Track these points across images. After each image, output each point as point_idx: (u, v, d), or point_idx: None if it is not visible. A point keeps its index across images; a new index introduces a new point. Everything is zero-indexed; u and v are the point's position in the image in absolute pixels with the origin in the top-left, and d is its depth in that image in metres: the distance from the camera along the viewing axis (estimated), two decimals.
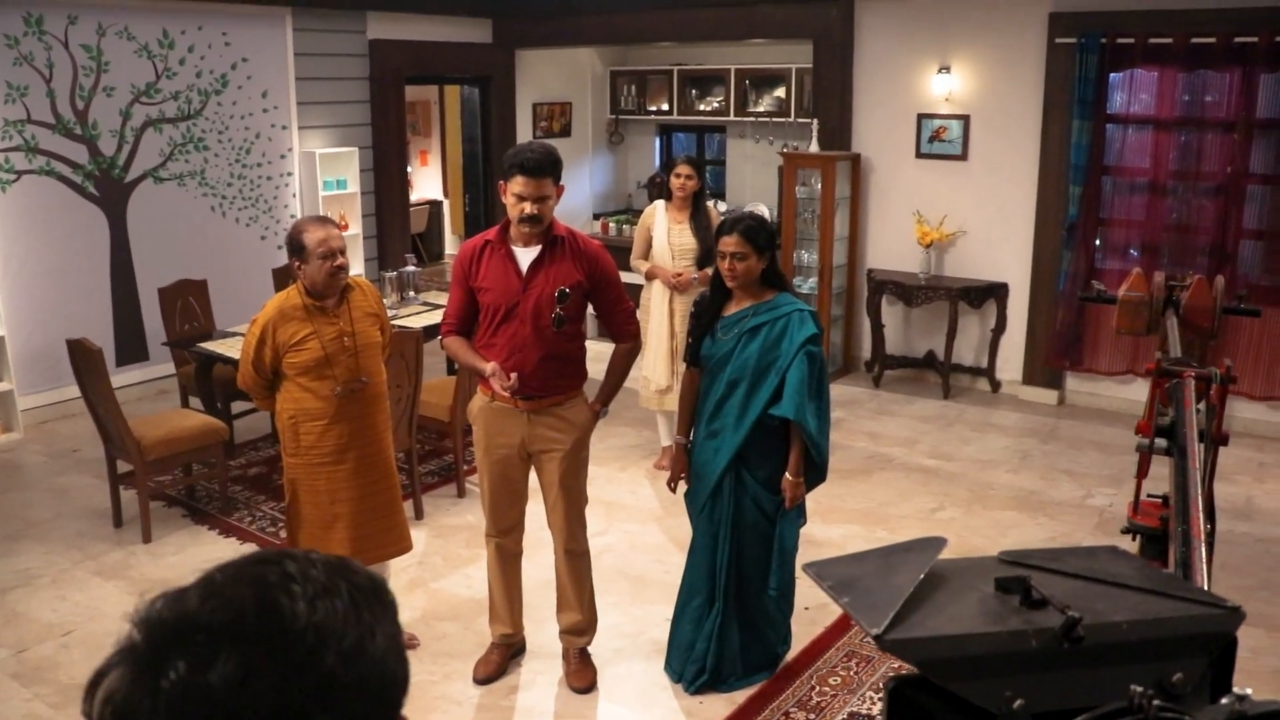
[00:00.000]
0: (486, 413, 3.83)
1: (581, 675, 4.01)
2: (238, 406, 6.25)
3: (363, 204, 8.86)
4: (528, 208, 3.60)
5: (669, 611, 4.12)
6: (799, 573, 3.80)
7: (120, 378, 6.86)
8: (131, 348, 7.54)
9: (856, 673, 4.08)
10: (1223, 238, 6.70)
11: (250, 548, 5.11)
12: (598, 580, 4.15)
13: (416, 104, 12.72)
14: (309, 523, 4.01)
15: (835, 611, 4.32)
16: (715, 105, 9.99)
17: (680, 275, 5.74)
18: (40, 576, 4.90)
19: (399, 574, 4.74)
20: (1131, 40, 6.72)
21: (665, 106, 10.32)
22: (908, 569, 1.50)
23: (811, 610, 4.39)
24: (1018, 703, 1.36)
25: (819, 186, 7.87)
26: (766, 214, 8.54)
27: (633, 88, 10.55)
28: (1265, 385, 6.69)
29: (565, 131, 10.41)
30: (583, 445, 3.87)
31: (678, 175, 5.78)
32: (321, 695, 0.85)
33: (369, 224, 9.00)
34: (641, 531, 5.36)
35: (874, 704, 3.86)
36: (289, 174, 8.41)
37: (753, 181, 10.05)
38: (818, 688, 3.98)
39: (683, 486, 3.99)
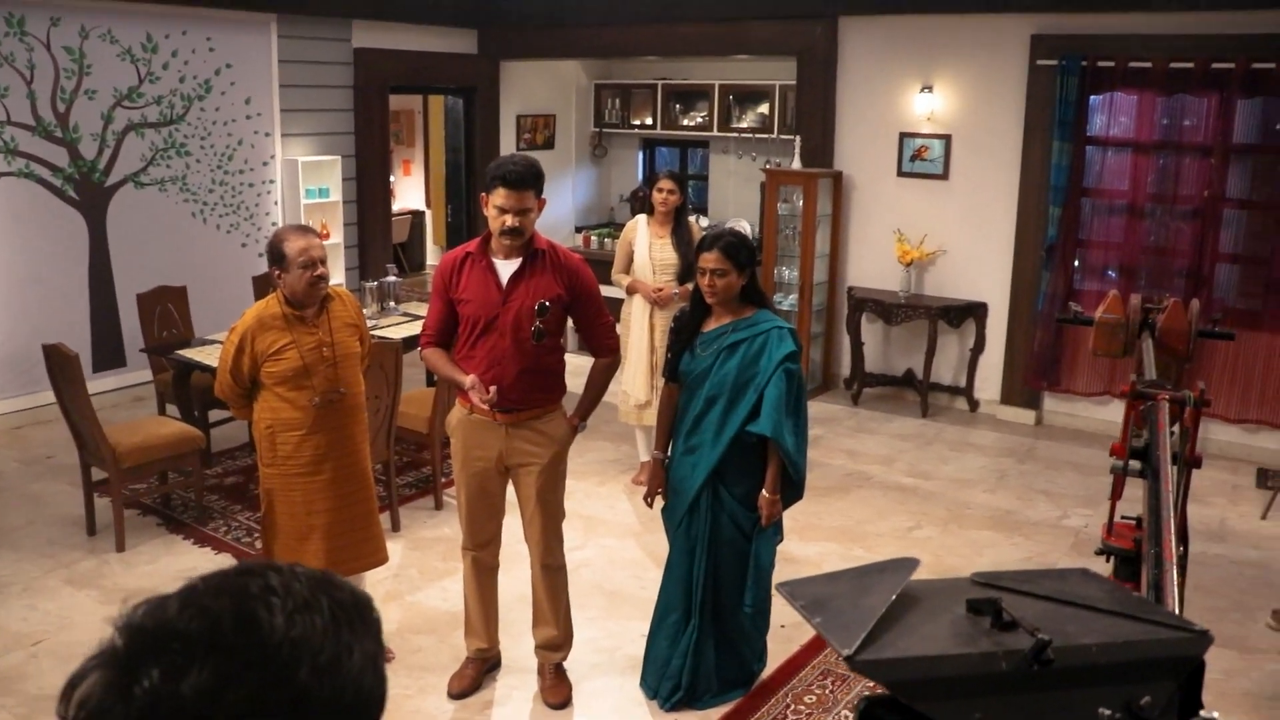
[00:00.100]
0: (465, 425, 3.82)
1: (557, 691, 3.99)
2: (215, 415, 6.21)
3: (345, 213, 8.84)
4: (509, 220, 3.60)
5: (645, 627, 4.12)
6: (775, 590, 3.80)
7: (97, 384, 6.81)
8: (109, 353, 7.49)
9: (832, 691, 4.08)
10: (1199, 261, 6.76)
11: (225, 558, 5.07)
12: (574, 595, 4.14)
13: (400, 113, 12.71)
14: (284, 533, 3.98)
15: (811, 630, 4.31)
16: (699, 120, 10.03)
17: (661, 290, 5.75)
18: (10, 585, 4.84)
19: (375, 586, 4.71)
20: (1112, 63, 6.79)
21: (649, 120, 10.35)
22: (880, 590, 1.51)
23: (788, 628, 4.39)
24: None
25: (800, 203, 7.90)
26: (748, 230, 8.58)
27: (617, 101, 10.58)
28: (1239, 408, 6.75)
29: (549, 144, 10.43)
30: (561, 459, 3.86)
31: (660, 190, 5.80)
32: (294, 709, 0.85)
33: (350, 233, 8.98)
34: (619, 546, 5.36)
35: None
36: (271, 181, 8.38)
37: (735, 197, 10.09)
38: (793, 706, 3.97)
39: (660, 502, 3.99)
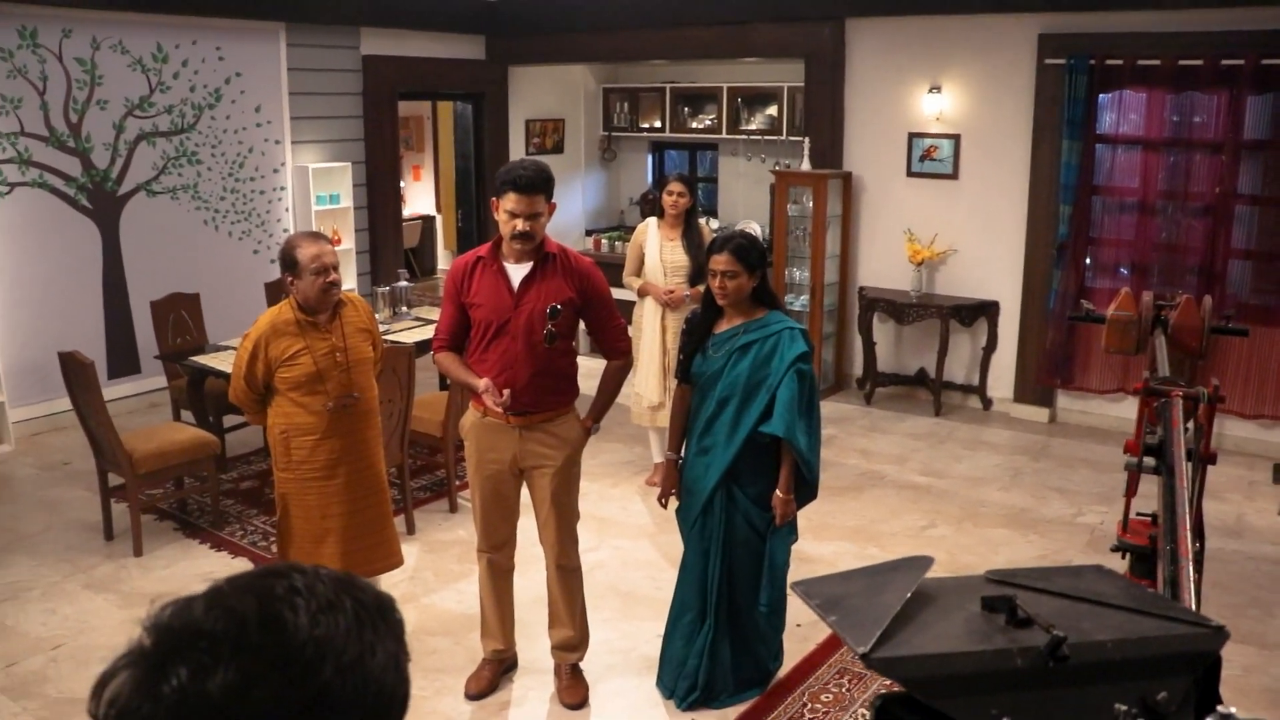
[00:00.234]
0: (478, 428, 3.84)
1: (573, 691, 4.01)
2: (229, 420, 6.24)
3: (356, 219, 8.88)
4: (520, 224, 3.61)
5: (660, 628, 4.12)
6: (790, 589, 3.81)
7: (112, 390, 6.86)
8: (123, 361, 7.53)
9: (848, 690, 4.08)
10: (1211, 258, 6.74)
11: (241, 562, 5.10)
12: (589, 596, 4.15)
13: (410, 119, 12.76)
14: (299, 537, 4.01)
15: (826, 629, 4.32)
16: (707, 123, 10.03)
17: (672, 292, 5.77)
18: (30, 590, 4.88)
19: (390, 589, 4.70)
20: (1120, 62, 6.78)
21: (658, 124, 10.36)
22: (895, 588, 1.51)
23: (804, 627, 4.39)
24: None
25: (810, 204, 7.90)
26: (758, 232, 8.58)
27: (625, 105, 10.59)
28: (1255, 404, 6.73)
29: (558, 148, 10.44)
30: (574, 461, 3.88)
31: (670, 193, 5.81)
32: (318, 708, 0.87)
33: (362, 239, 9.01)
34: (633, 547, 5.37)
35: None
36: (282, 188, 8.42)
37: (744, 199, 10.08)
38: (809, 705, 3.98)
39: (674, 503, 4.00)
